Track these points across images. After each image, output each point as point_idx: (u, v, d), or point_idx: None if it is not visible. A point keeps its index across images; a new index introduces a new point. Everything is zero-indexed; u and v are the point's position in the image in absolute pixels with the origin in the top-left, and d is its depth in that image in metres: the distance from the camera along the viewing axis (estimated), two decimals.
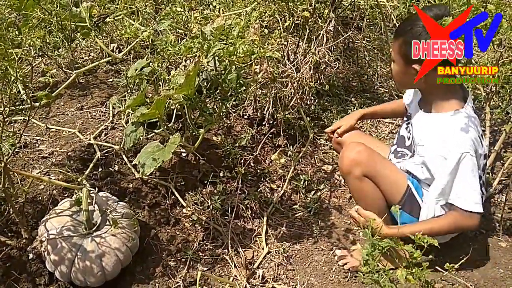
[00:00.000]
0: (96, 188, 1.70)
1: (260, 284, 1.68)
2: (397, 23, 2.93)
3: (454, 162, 1.45)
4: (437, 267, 1.45)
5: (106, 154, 2.03)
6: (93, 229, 1.58)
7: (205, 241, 1.83)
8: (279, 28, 2.31)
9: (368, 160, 1.60)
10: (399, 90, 2.59)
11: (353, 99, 2.68)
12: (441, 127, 1.52)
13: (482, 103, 2.29)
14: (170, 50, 1.68)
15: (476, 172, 1.46)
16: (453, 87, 1.54)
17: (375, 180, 1.61)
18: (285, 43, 2.32)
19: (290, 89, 2.25)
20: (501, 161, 2.13)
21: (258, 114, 2.30)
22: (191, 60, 2.06)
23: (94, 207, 1.63)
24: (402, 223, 1.56)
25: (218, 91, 1.75)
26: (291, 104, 2.28)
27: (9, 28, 1.49)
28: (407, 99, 1.81)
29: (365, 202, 1.69)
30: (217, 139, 2.18)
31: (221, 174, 2.03)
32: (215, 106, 1.86)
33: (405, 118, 1.76)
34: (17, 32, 1.64)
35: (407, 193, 1.58)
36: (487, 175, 1.99)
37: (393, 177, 1.61)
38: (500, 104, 2.20)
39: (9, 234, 1.72)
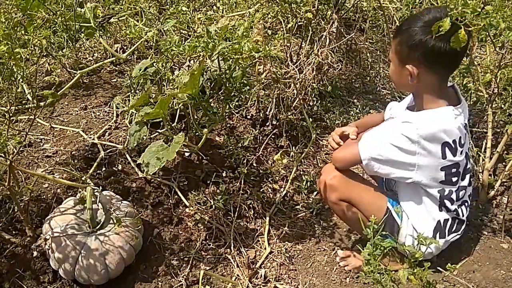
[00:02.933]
0: (100, 187, 1.71)
1: (262, 284, 1.69)
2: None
3: (390, 122, 1.48)
4: (438, 268, 1.46)
5: (109, 154, 2.04)
6: (97, 227, 1.60)
7: (207, 241, 1.83)
8: (282, 29, 2.33)
9: (342, 186, 1.62)
10: (397, 90, 2.59)
11: (355, 100, 2.69)
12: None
13: (484, 105, 2.30)
14: (174, 50, 1.70)
15: (395, 141, 1.44)
16: (446, 93, 1.50)
17: (353, 204, 1.62)
18: (288, 44, 2.33)
19: (293, 90, 2.26)
20: (503, 163, 2.14)
21: (261, 114, 2.31)
22: (195, 60, 2.07)
23: (98, 205, 1.64)
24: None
25: (221, 91, 1.76)
26: (293, 105, 2.29)
27: (16, 28, 1.51)
28: (387, 115, 1.76)
29: (348, 222, 1.74)
30: (220, 140, 2.19)
31: (224, 174, 2.04)
32: (218, 106, 1.87)
33: None
34: (23, 32, 1.65)
35: (386, 215, 1.57)
36: (489, 177, 1.99)
37: (371, 201, 1.60)
38: (502, 105, 2.20)
39: (14, 232, 1.73)
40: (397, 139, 1.44)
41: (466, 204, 1.61)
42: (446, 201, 1.53)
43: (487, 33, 1.59)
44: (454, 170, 1.49)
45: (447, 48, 1.33)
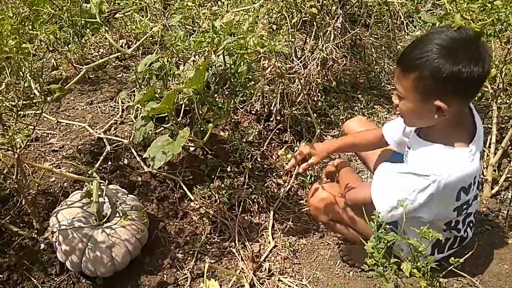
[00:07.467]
0: (106, 181, 1.72)
1: (267, 277, 1.71)
2: (405, 20, 2.94)
3: (404, 167, 1.36)
4: (442, 262, 1.47)
5: (115, 148, 2.05)
6: (103, 220, 1.61)
7: (212, 234, 1.85)
8: (286, 24, 2.33)
9: (331, 208, 1.61)
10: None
11: (360, 96, 2.69)
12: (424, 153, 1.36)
13: (489, 100, 2.30)
14: (179, 46, 1.71)
15: (409, 196, 1.31)
16: (463, 118, 1.36)
17: (344, 224, 1.62)
18: (293, 39, 2.34)
19: (297, 85, 2.26)
20: (508, 158, 2.14)
21: (265, 110, 2.32)
22: (201, 56, 2.08)
23: (104, 199, 1.66)
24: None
25: (226, 86, 1.77)
26: (298, 100, 2.30)
27: (23, 23, 1.52)
28: (393, 135, 1.61)
29: (343, 235, 1.74)
30: (225, 135, 2.20)
31: (229, 169, 2.05)
32: (223, 102, 1.88)
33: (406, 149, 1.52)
34: (30, 27, 1.67)
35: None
36: (494, 172, 1.99)
37: (360, 220, 1.56)
38: (507, 101, 2.20)
39: (21, 224, 1.75)
40: (413, 194, 1.33)
41: (472, 224, 1.57)
42: (453, 230, 1.50)
43: (495, 28, 1.59)
44: (465, 206, 1.44)
45: (480, 71, 1.19)
